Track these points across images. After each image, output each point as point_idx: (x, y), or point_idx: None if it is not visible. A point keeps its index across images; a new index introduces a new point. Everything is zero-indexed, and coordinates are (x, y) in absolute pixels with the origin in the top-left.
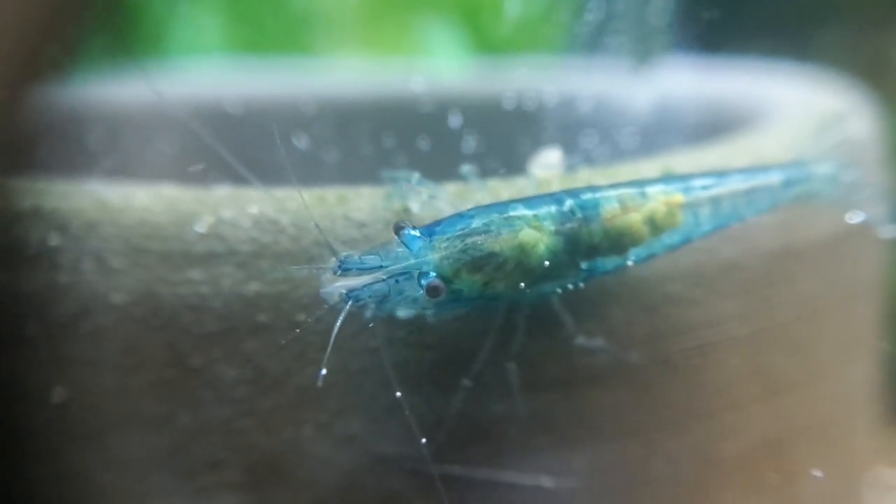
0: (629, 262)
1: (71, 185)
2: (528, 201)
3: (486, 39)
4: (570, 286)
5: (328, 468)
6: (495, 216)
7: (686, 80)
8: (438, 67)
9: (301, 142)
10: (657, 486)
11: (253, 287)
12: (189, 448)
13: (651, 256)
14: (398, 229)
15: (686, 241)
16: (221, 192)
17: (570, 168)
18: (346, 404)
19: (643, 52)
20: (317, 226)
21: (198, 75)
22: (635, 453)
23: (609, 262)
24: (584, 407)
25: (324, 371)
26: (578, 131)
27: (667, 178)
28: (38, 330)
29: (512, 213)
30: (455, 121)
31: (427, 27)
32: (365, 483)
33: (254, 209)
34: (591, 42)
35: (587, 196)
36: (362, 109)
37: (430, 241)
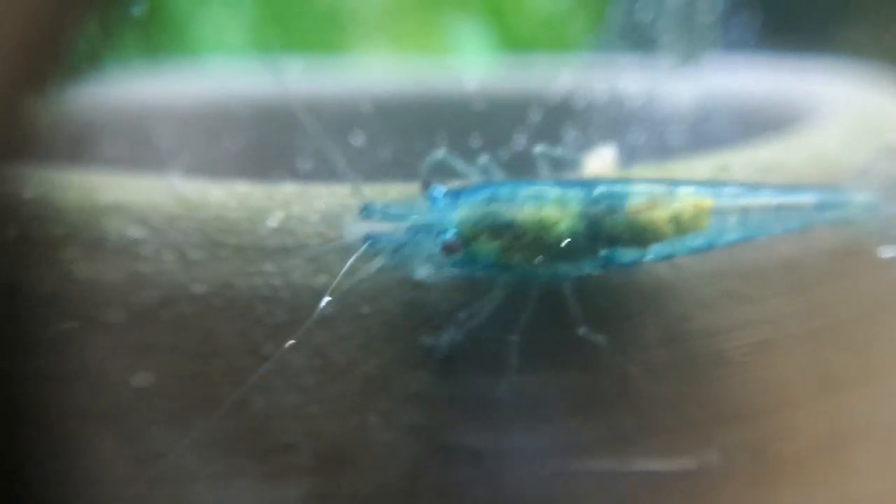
0: (648, 258)
1: (151, 180)
2: (558, 182)
3: (512, 37)
4: (587, 271)
5: (392, 455)
6: (523, 189)
7: (732, 78)
8: (465, 65)
9: (356, 139)
10: (711, 482)
11: (321, 279)
12: (261, 432)
13: (671, 256)
14: (426, 185)
15: (709, 246)
16: (291, 189)
17: (623, 165)
18: (409, 394)
19: (687, 49)
20: (348, 172)
21: (235, 73)
22: (689, 447)
23: (628, 255)
24: (640, 399)
25: (328, 298)
26: (625, 128)
27: (699, 182)
28: (121, 318)
29: (539, 190)
30: (504, 117)
31: (453, 25)
32: (427, 471)
33: (321, 205)
34: (625, 39)
35: (617, 187)
36: (404, 107)
37: (455, 201)
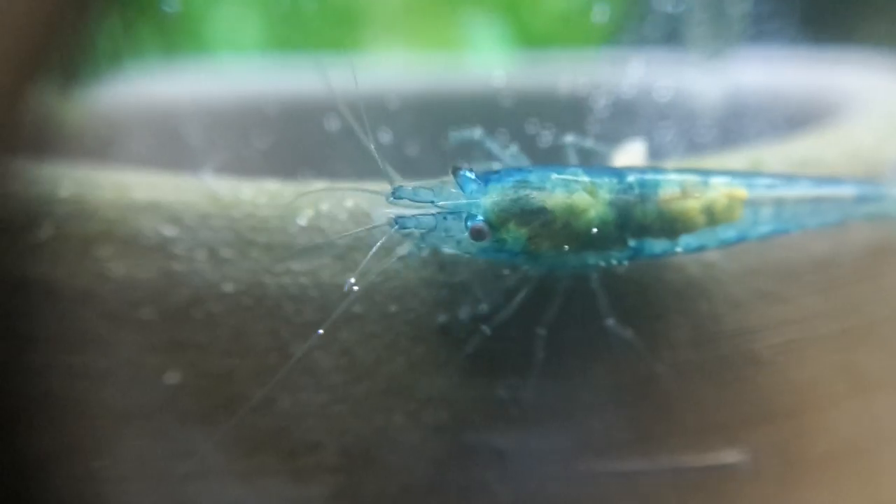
0: (678, 249)
1: (183, 179)
2: (589, 169)
3: (528, 33)
4: (615, 262)
5: (417, 455)
6: (553, 175)
7: (761, 72)
8: (481, 62)
9: (382, 136)
10: (739, 483)
11: (350, 278)
12: (289, 431)
13: (702, 248)
14: (455, 170)
15: (742, 238)
16: (320, 186)
17: (653, 160)
18: (434, 394)
19: (714, 43)
20: (375, 151)
21: (254, 70)
22: (717, 448)
23: (658, 245)
24: (667, 399)
25: (353, 280)
26: (654, 124)
27: (734, 172)
28: (153, 315)
29: (570, 176)
30: (529, 114)
31: (468, 21)
32: (452, 470)
33: (349, 203)
34: (650, 33)
35: (650, 176)
36: (429, 104)
37: (485, 186)
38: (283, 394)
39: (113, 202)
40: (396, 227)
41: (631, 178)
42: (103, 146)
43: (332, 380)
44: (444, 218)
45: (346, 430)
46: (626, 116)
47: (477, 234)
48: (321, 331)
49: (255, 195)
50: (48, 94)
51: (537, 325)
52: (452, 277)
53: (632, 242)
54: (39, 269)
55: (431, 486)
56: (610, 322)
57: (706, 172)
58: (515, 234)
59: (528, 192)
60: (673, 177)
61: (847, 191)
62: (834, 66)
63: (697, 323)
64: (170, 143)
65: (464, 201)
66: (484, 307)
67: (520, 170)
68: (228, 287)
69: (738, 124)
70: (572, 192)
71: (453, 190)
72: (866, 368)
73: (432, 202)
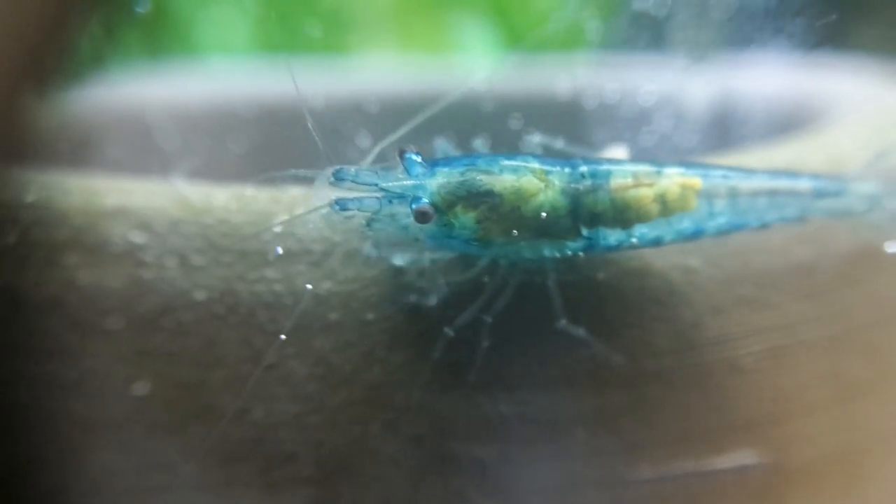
0: (634, 240)
1: (154, 184)
2: (542, 159)
3: (517, 36)
4: (570, 252)
5: (395, 465)
6: (504, 161)
7: (747, 76)
8: (471, 65)
9: (362, 140)
10: (724, 491)
11: (325, 286)
12: (263, 442)
13: (658, 240)
14: (402, 153)
15: (698, 231)
16: (295, 192)
17: None
18: (412, 403)
19: (700, 47)
20: (313, 130)
21: (239, 74)
22: (700, 457)
23: (612, 236)
24: (650, 408)
25: (279, 250)
26: (637, 129)
27: (688, 163)
28: (122, 325)
29: (520, 163)
30: (512, 118)
31: (458, 24)
32: (431, 481)
33: (325, 209)
34: (636, 38)
35: (603, 166)
36: (411, 108)
37: (432, 169)
38: (257, 404)
39: (80, 208)
40: (337, 208)
41: (583, 167)
42: (77, 150)
43: (308, 389)
44: (389, 201)
45: (321, 441)
46: (611, 120)
47: (421, 217)
48: (283, 336)
49: (228, 201)
50: (26, 98)
51: (516, 334)
52: (430, 284)
53: (585, 232)
54: (4, 277)
55: (410, 497)
56: (562, 323)
57: (660, 163)
58: (463, 218)
59: (475, 174)
60: (626, 167)
61: (804, 184)
62: (822, 72)
63: (680, 330)
64: (146, 146)
65: (409, 183)
66: (459, 314)
67: (468, 156)
68: (200, 295)
69: (723, 129)
70: (521, 177)
71: (400, 173)
72: (851, 374)
73: (376, 185)
